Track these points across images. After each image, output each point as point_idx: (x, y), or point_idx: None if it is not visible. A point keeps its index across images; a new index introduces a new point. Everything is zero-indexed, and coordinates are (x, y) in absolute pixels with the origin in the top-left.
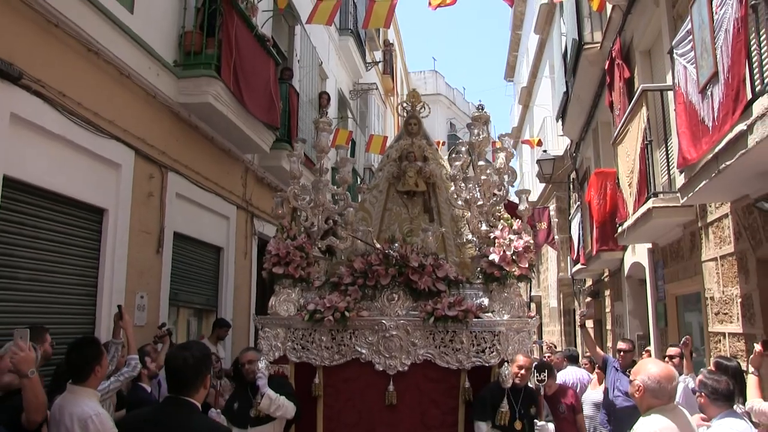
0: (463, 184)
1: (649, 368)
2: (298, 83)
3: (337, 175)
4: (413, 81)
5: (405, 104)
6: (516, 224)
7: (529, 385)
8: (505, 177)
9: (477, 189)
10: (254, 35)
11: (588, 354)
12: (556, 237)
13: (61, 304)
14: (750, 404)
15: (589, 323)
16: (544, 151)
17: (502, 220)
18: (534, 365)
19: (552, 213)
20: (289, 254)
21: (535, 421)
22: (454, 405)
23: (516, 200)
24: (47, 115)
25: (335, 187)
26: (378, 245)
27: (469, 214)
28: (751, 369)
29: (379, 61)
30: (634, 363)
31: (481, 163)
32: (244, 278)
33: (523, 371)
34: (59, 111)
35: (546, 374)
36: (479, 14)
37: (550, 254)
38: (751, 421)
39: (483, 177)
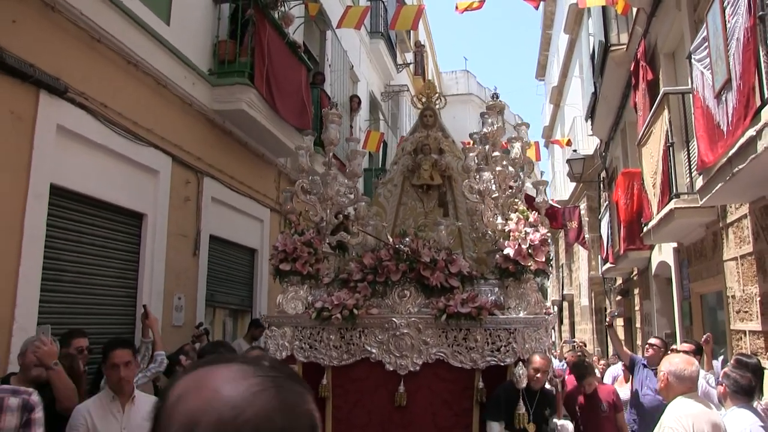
0: (477, 176)
1: (671, 358)
2: (329, 87)
3: (347, 168)
4: (445, 81)
5: (420, 96)
6: (532, 216)
7: (547, 386)
8: (521, 168)
9: (492, 181)
10: (286, 42)
11: (612, 355)
12: (587, 236)
13: (103, 305)
14: (767, 399)
15: (619, 321)
16: (574, 150)
17: (517, 213)
18: (555, 364)
19: (582, 212)
20: (297, 250)
21: (555, 420)
22: (468, 406)
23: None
24: (90, 126)
25: (346, 181)
26: (389, 240)
27: (483, 206)
28: None
29: (411, 63)
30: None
31: (496, 153)
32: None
33: (539, 374)
34: (101, 121)
35: (559, 384)
36: (510, 14)
37: (581, 253)
38: None
39: (498, 168)
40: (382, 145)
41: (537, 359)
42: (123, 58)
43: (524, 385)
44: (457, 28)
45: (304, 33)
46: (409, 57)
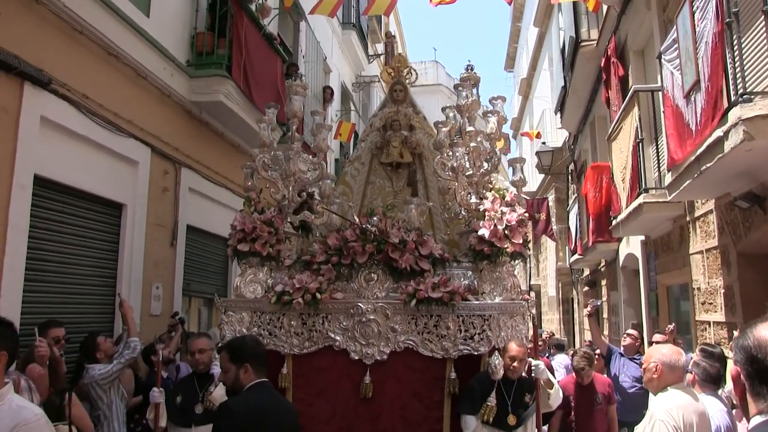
0: (450, 152)
1: (661, 349)
2: (303, 78)
3: (312, 143)
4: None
5: (389, 69)
6: (509, 195)
7: (524, 375)
8: (497, 144)
9: (465, 157)
10: (262, 34)
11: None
12: (555, 227)
13: (83, 295)
14: (730, 387)
15: (585, 311)
16: (543, 143)
17: (492, 191)
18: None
19: (551, 204)
20: (256, 229)
21: (531, 360)
22: (439, 398)
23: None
24: (72, 117)
25: (310, 156)
26: (356, 220)
27: (456, 184)
28: (731, 354)
29: (381, 54)
30: (637, 351)
31: (470, 128)
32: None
33: (515, 363)
34: (83, 113)
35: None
36: (480, 4)
37: (549, 244)
38: (732, 404)
39: (472, 144)
40: (353, 135)
41: (513, 347)
42: (104, 49)
43: (500, 375)
44: (426, 18)
45: (279, 24)
46: (380, 48)
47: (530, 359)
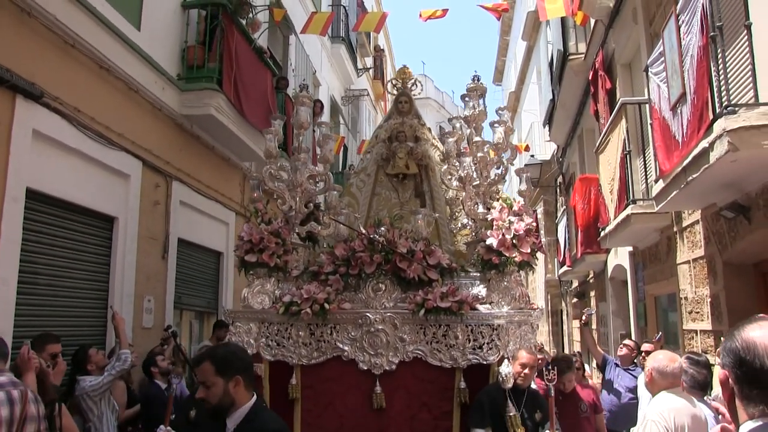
0: (457, 162)
1: (655, 356)
2: (292, 92)
3: (318, 154)
4: None
5: (395, 81)
6: (516, 205)
7: (533, 386)
8: (504, 154)
9: (473, 167)
10: (252, 48)
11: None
12: (544, 240)
13: (76, 308)
14: (716, 393)
15: (576, 323)
16: (532, 155)
17: (500, 201)
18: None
19: (539, 216)
20: (264, 240)
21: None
22: (448, 408)
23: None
24: (64, 131)
25: (315, 168)
26: (363, 230)
27: (464, 194)
28: (717, 361)
29: (370, 68)
30: (633, 362)
31: (477, 138)
32: (244, 282)
33: (526, 370)
34: (75, 126)
35: (556, 370)
36: (468, 19)
37: (537, 256)
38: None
39: (479, 154)
40: (342, 148)
41: (524, 354)
42: (95, 62)
43: (510, 384)
44: (415, 32)
45: (268, 38)
46: (369, 61)
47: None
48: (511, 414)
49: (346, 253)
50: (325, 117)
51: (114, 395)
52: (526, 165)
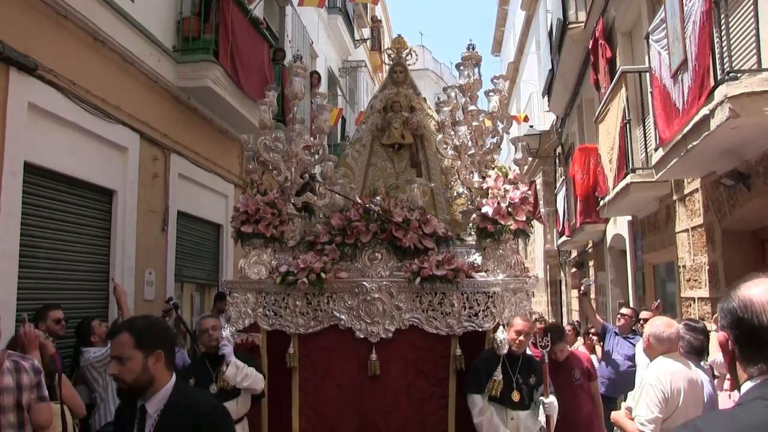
0: (452, 131)
1: (653, 321)
2: (302, 60)
3: (313, 125)
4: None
5: (390, 51)
6: (512, 173)
7: (528, 352)
8: (499, 123)
9: (468, 136)
10: (249, 19)
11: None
12: (543, 210)
13: (77, 281)
14: (712, 358)
15: (575, 293)
16: (531, 126)
17: (495, 169)
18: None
19: (538, 187)
20: (259, 211)
21: (542, 398)
22: (444, 375)
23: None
24: (60, 104)
25: (311, 139)
26: (358, 200)
27: (459, 163)
28: (714, 327)
29: (367, 39)
30: (632, 330)
31: (472, 107)
32: (243, 253)
33: (521, 337)
34: (71, 99)
35: (549, 338)
36: None
37: (536, 227)
38: (713, 374)
39: (474, 123)
40: (340, 120)
41: (519, 322)
42: (90, 34)
43: (505, 351)
44: (413, 3)
45: (265, 9)
46: (366, 32)
47: (542, 398)
48: (496, 379)
49: (342, 223)
50: (323, 89)
51: None
52: (525, 135)
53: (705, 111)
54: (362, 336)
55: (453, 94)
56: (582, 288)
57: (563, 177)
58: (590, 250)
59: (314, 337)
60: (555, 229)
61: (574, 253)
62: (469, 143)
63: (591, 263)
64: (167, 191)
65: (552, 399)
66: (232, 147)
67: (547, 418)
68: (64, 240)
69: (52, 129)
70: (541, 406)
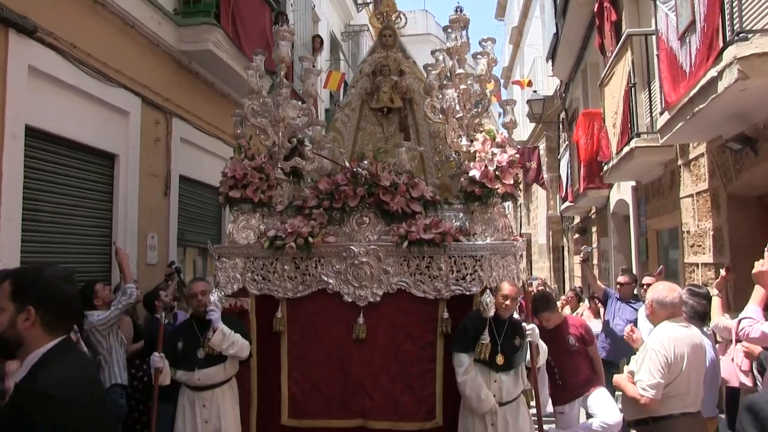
0: (440, 95)
1: (655, 287)
2: (291, 27)
3: (301, 89)
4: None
5: (378, 15)
6: (499, 137)
7: (515, 316)
8: (488, 86)
9: (456, 99)
10: None
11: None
12: (546, 176)
13: (80, 245)
14: (714, 322)
15: (578, 259)
16: (534, 91)
17: (483, 133)
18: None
19: (542, 152)
20: (247, 176)
21: (523, 324)
22: (432, 339)
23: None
24: (60, 67)
25: (299, 103)
26: (346, 164)
27: (447, 126)
28: (715, 292)
29: (370, 2)
30: (634, 295)
31: (460, 71)
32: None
33: (508, 301)
34: (71, 62)
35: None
36: None
37: (539, 193)
38: (715, 339)
39: (462, 86)
40: (342, 84)
41: (506, 286)
42: None
43: (491, 314)
44: None
45: None
46: None
47: (524, 324)
48: (483, 342)
49: (330, 187)
50: (325, 53)
51: (121, 329)
52: (528, 101)
53: (713, 73)
54: (350, 300)
55: (441, 58)
56: (582, 255)
57: (567, 142)
58: (593, 216)
59: (302, 302)
60: (558, 195)
61: (577, 219)
62: (457, 107)
63: (594, 229)
64: (169, 155)
65: (533, 326)
66: (235, 111)
67: (530, 344)
68: (66, 204)
69: (53, 92)
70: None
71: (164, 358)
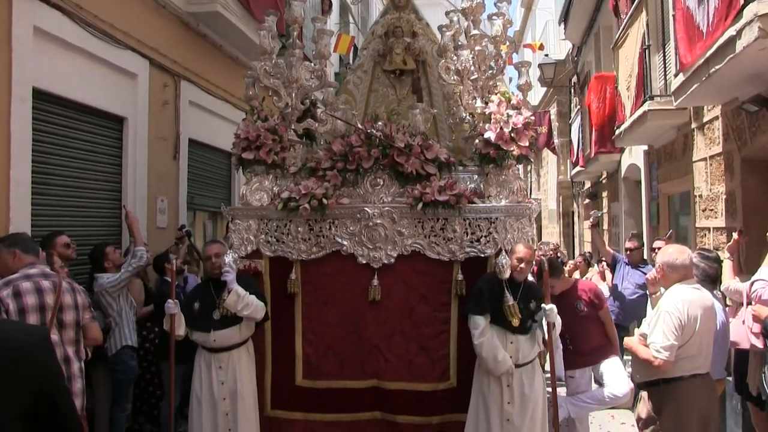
0: (454, 56)
1: (665, 250)
2: None
3: (313, 50)
4: None
5: None
6: (515, 98)
7: (530, 278)
8: (503, 47)
9: (470, 61)
10: None
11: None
12: (556, 141)
13: (90, 208)
14: (726, 285)
15: (588, 224)
16: (546, 55)
17: (498, 95)
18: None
19: (552, 117)
20: (260, 137)
21: (543, 305)
22: (446, 300)
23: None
24: (67, 28)
25: (312, 64)
26: (360, 125)
27: (462, 88)
28: (727, 255)
29: None
30: (643, 260)
31: (475, 32)
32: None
33: (522, 264)
34: (78, 23)
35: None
36: None
37: (550, 158)
38: (725, 302)
39: (477, 47)
40: (352, 48)
41: (521, 249)
42: None
43: (507, 275)
44: None
45: None
46: None
47: (543, 305)
48: (509, 303)
49: (344, 149)
50: (335, 16)
51: (131, 292)
52: (540, 65)
53: (731, 32)
54: (364, 262)
55: (456, 18)
56: (591, 220)
57: (578, 107)
58: (604, 181)
59: (316, 263)
60: (569, 160)
61: (588, 184)
62: (472, 68)
63: (604, 194)
64: (178, 118)
65: (552, 306)
66: (243, 74)
67: (548, 324)
68: (75, 167)
69: (59, 54)
70: (542, 321)
71: (178, 304)
